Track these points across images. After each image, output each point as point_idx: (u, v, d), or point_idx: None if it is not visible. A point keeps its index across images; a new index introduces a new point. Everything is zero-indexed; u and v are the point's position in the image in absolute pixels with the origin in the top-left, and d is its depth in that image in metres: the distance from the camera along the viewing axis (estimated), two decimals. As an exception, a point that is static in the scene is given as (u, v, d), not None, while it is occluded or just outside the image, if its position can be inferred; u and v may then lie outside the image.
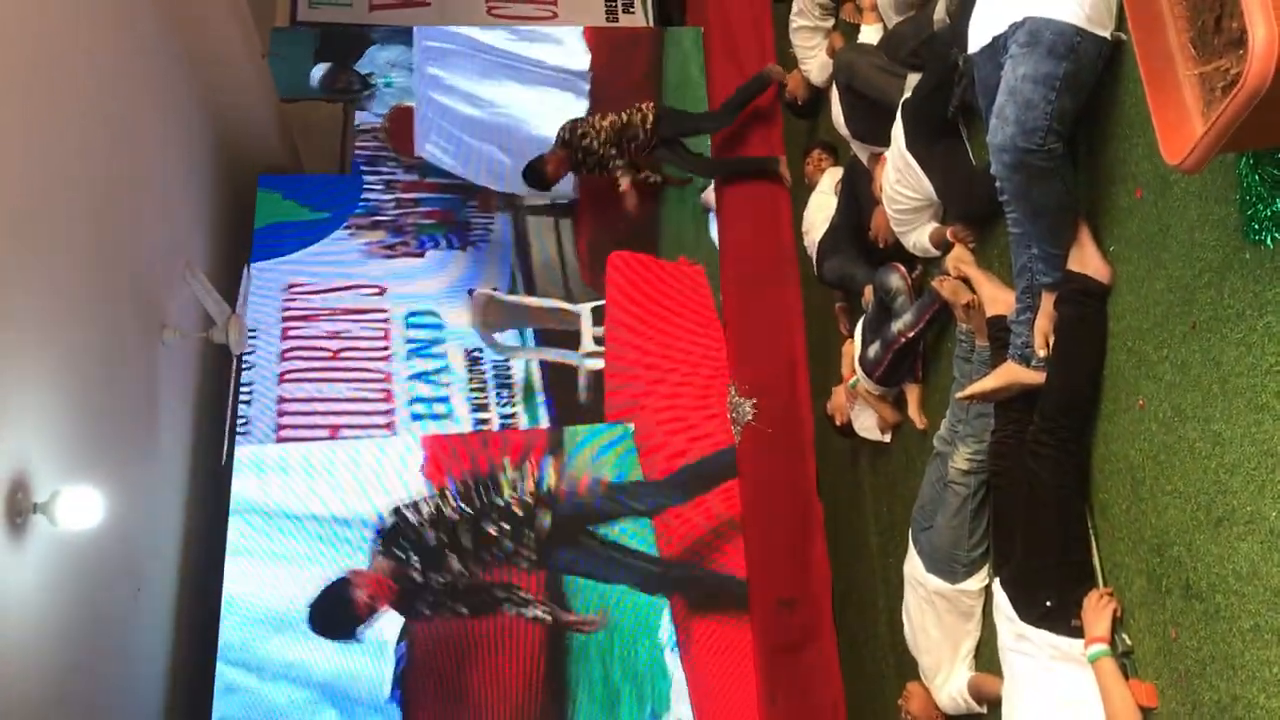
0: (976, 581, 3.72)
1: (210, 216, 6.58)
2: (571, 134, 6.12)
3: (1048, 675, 2.95)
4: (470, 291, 4.65)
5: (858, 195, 4.78)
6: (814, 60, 5.59)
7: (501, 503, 4.66)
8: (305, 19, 7.75)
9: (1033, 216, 2.83)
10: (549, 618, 4.91)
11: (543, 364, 4.56)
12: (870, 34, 4.57)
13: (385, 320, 4.57)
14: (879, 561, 5.07)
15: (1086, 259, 2.89)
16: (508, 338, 4.59)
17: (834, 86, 4.77)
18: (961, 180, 3.76)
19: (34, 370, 4.12)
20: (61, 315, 4.38)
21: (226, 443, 5.85)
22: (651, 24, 7.72)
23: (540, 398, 4.52)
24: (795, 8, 5.64)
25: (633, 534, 4.94)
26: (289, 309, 4.63)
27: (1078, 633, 2.89)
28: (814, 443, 6.13)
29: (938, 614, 3.81)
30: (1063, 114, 2.70)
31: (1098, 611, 2.83)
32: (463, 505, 4.66)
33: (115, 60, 5.01)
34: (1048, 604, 2.96)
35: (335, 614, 4.34)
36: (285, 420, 4.60)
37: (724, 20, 7.00)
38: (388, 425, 4.51)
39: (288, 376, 4.70)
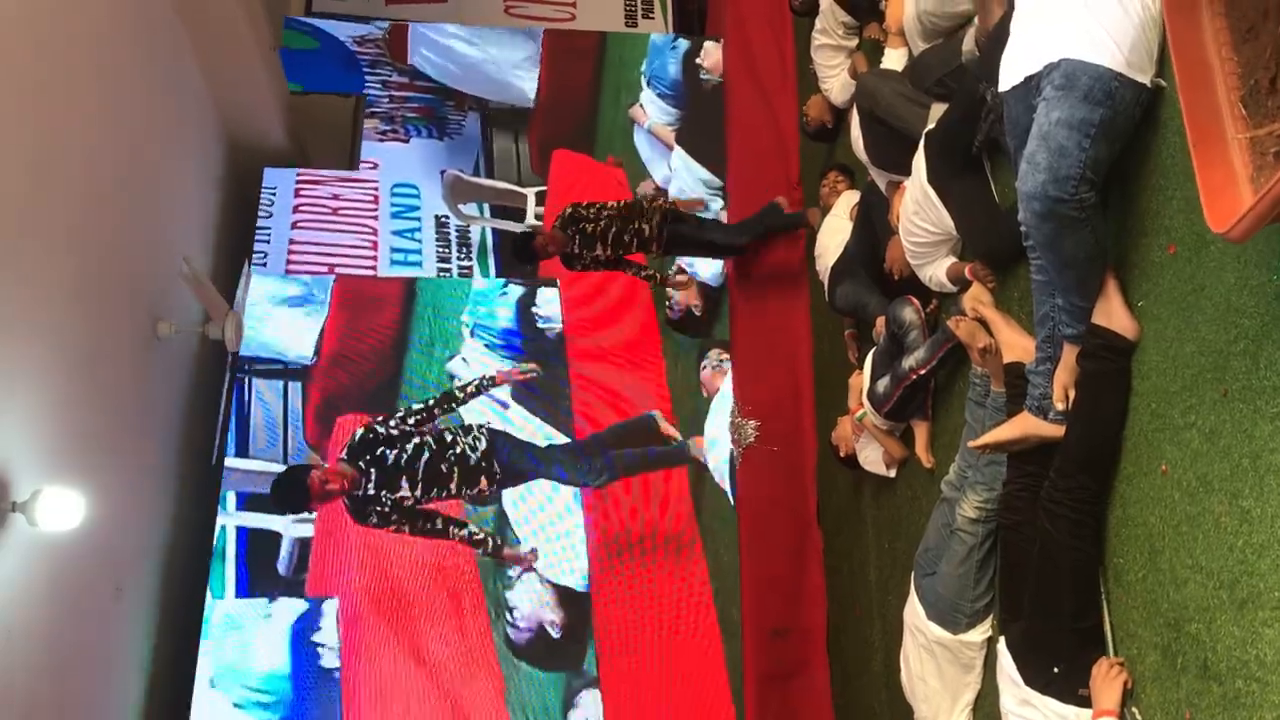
0: (979, 633, 3.60)
1: (212, 210, 6.47)
2: (570, 218, 5.64)
3: (1051, 745, 2.84)
4: (443, 171, 5.83)
5: (873, 223, 4.66)
6: (835, 79, 5.46)
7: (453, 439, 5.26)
8: (320, 9, 7.65)
9: (1060, 267, 2.71)
10: (489, 543, 5.45)
11: (494, 231, 5.74)
12: (895, 59, 4.45)
13: (376, 188, 5.78)
14: (877, 596, 4.95)
15: (1113, 313, 2.76)
16: (469, 209, 5.81)
17: (854, 109, 4.65)
18: (983, 218, 3.64)
19: (18, 363, 4.01)
20: (49, 306, 4.27)
21: (218, 442, 5.74)
22: (670, 30, 7.59)
23: (490, 257, 5.66)
24: (818, 25, 5.50)
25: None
26: (301, 174, 5.78)
27: (1085, 702, 2.77)
28: (816, 470, 6.02)
29: (938, 663, 3.70)
30: (1097, 162, 2.58)
31: (1107, 681, 2.71)
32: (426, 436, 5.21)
33: (118, 48, 4.90)
34: (1055, 670, 2.84)
35: (292, 488, 4.80)
36: (293, 258, 5.67)
37: (742, 33, 6.85)
38: (372, 267, 5.57)
39: (298, 224, 5.74)
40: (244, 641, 5.33)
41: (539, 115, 5.92)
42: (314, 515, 5.42)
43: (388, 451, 5.16)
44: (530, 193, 5.77)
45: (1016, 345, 3.30)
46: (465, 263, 5.64)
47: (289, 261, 5.53)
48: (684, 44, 6.32)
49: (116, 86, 4.89)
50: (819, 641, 5.79)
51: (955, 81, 3.76)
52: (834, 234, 5.23)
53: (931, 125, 3.83)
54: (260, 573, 5.25)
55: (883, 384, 4.26)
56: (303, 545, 5.26)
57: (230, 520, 5.12)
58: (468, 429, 5.45)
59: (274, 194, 5.85)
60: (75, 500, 4.13)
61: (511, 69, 6.02)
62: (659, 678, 5.41)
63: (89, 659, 4.90)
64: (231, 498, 5.23)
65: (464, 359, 5.64)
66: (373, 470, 5.12)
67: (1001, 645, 3.07)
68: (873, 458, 4.70)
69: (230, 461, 5.45)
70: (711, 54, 5.97)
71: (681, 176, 6.08)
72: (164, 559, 5.69)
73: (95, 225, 4.70)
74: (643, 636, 5.48)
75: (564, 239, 5.64)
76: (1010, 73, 2.81)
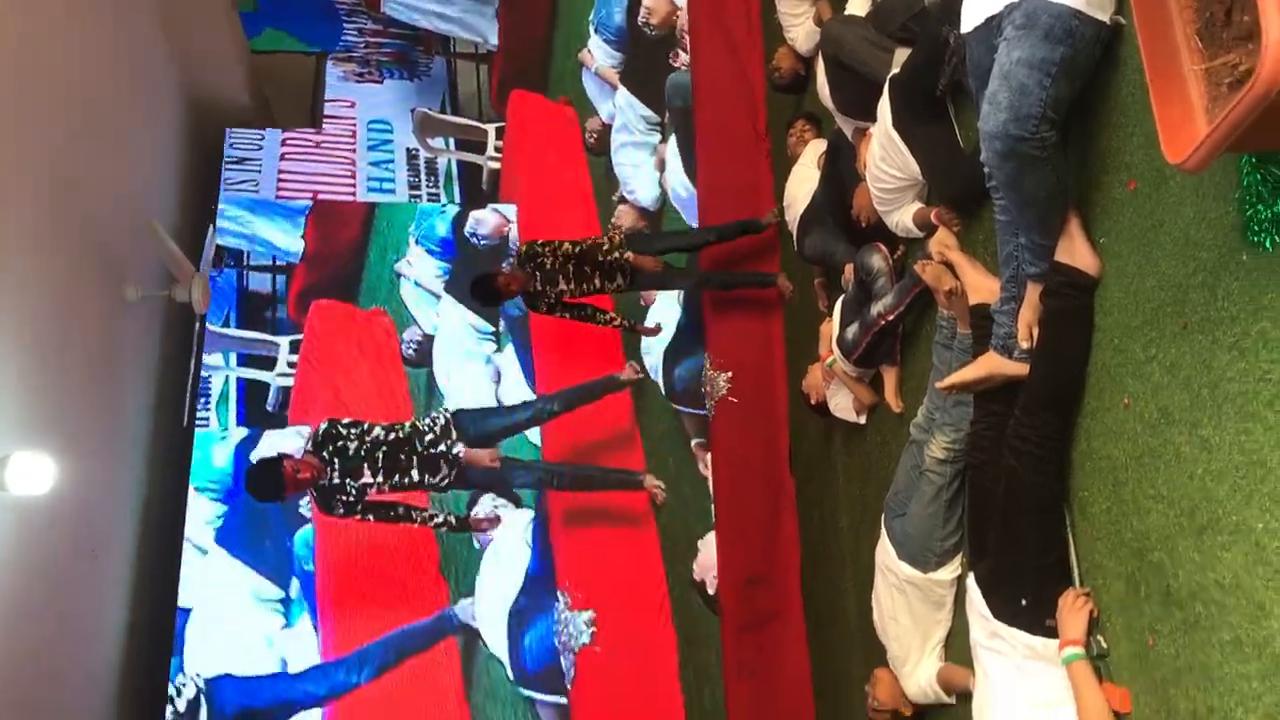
0: (949, 571, 3.66)
1: (177, 171, 6.41)
2: (527, 255, 5.54)
3: (1020, 675, 2.90)
4: (413, 109, 6.37)
5: (841, 171, 4.68)
6: (800, 28, 5.45)
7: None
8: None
9: (1022, 205, 2.74)
10: (452, 522, 5.59)
11: (459, 162, 6.26)
12: (859, 5, 4.45)
13: (354, 123, 6.33)
14: (849, 541, 5.01)
15: (1075, 251, 2.80)
16: (436, 142, 6.32)
17: (820, 57, 4.65)
18: (948, 162, 3.66)
19: (-15, 330, 3.98)
20: (15, 273, 4.23)
21: (189, 404, 5.72)
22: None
23: (456, 185, 6.22)
24: (782, -26, 5.49)
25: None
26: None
27: (1052, 633, 2.83)
28: (788, 419, 6.07)
29: (908, 602, 3.76)
30: (1058, 101, 2.60)
31: (1073, 613, 2.77)
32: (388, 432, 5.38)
33: (79, 10, 4.82)
34: (1023, 603, 2.90)
35: (267, 477, 5.00)
36: (282, 185, 6.16)
37: (709, -18, 6.84)
38: (351, 192, 6.16)
39: (285, 156, 6.27)
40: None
41: (499, 59, 6.48)
42: (293, 372, 5.85)
43: (348, 444, 5.30)
44: (490, 128, 6.33)
45: (982, 287, 3.33)
46: (433, 190, 6.18)
47: (279, 187, 6.05)
48: (627, -4, 6.74)
49: (77, 47, 4.82)
50: (794, 588, 5.86)
51: (919, 25, 3.76)
52: (802, 183, 5.25)
53: (896, 70, 3.84)
54: (253, 409, 5.85)
55: (852, 330, 4.29)
56: (285, 390, 5.86)
57: (231, 373, 5.81)
58: (433, 419, 5.56)
59: (262, 136, 6.44)
60: (46, 465, 4.12)
61: (476, 15, 6.55)
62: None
63: (66, 623, 4.90)
64: (233, 357, 5.88)
65: (409, 261, 6.12)
66: (336, 460, 5.27)
67: (970, 581, 3.13)
68: (843, 404, 4.74)
69: (232, 331, 5.95)
70: (656, 11, 6.34)
71: (625, 113, 6.38)
72: (139, 522, 5.69)
73: (59, 191, 4.65)
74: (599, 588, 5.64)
75: (525, 277, 5.54)
76: (972, 14, 2.82)
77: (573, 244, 5.71)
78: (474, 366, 5.92)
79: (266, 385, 5.89)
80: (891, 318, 4.03)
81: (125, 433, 5.59)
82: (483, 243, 6.20)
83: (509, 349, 5.96)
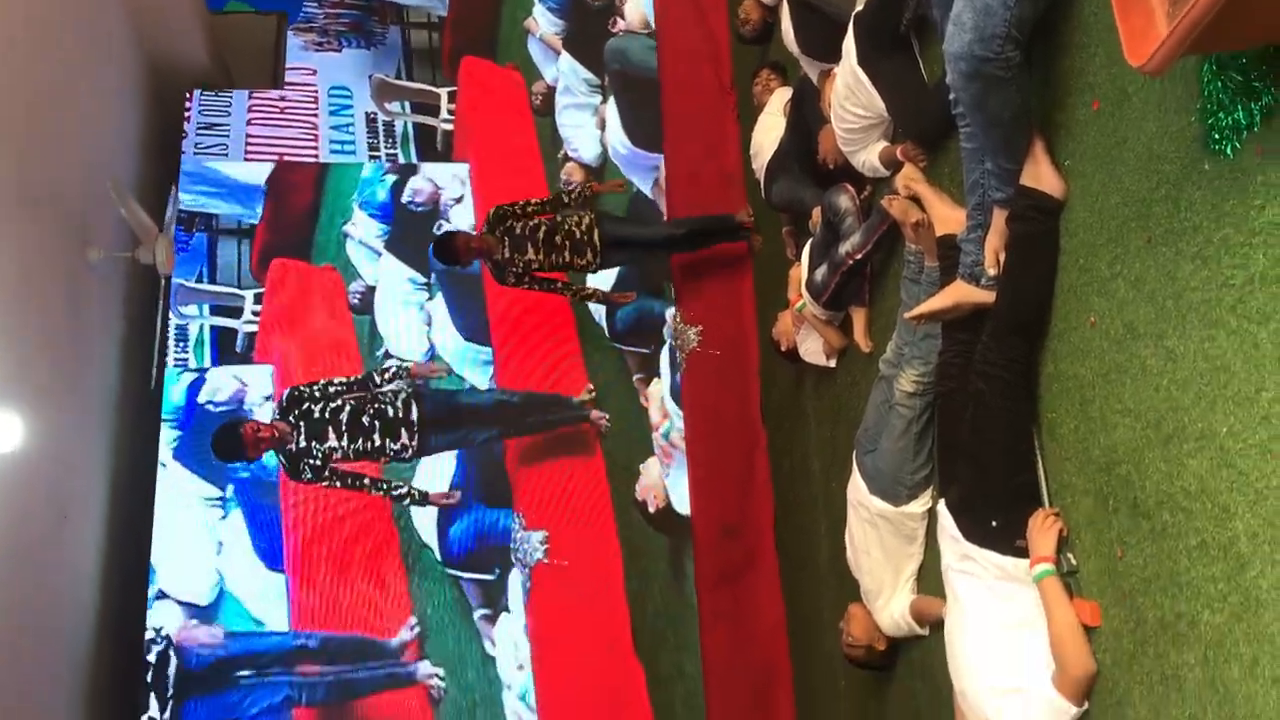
0: (920, 504, 3.70)
1: (137, 133, 6.34)
2: (496, 218, 5.56)
3: (991, 596, 2.94)
4: (370, 75, 6.73)
5: (806, 115, 4.68)
6: (764, -23, 5.45)
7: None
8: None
9: (987, 129, 2.75)
10: (414, 495, 5.88)
11: (414, 124, 6.65)
12: (822, -53, 4.44)
13: (315, 90, 6.67)
14: (821, 486, 5.05)
15: (1041, 174, 2.82)
16: (393, 106, 6.69)
17: (784, 2, 4.64)
18: (913, 97, 3.67)
19: (-54, 286, 3.93)
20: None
21: (156, 367, 5.68)
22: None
23: (412, 145, 6.63)
24: (743, -81, 5.48)
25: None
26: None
27: (1022, 553, 2.87)
28: (759, 369, 6.10)
29: (880, 536, 3.80)
30: (1021, 21, 2.60)
31: (1043, 531, 2.81)
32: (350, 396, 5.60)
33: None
34: (993, 524, 2.93)
35: (229, 438, 5.34)
36: (250, 147, 6.54)
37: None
38: (315, 153, 6.60)
39: (252, 121, 6.58)
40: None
41: (449, 27, 6.84)
42: (257, 320, 6.31)
43: (313, 407, 5.47)
44: (443, 92, 6.72)
45: (949, 219, 3.35)
46: (391, 150, 6.61)
47: (246, 150, 6.46)
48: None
49: (32, 7, 4.74)
50: (767, 535, 5.91)
51: (882, -38, 3.76)
52: (768, 131, 5.25)
53: (860, 7, 3.84)
54: (224, 351, 6.27)
55: (820, 273, 4.30)
56: (251, 335, 6.29)
57: (205, 321, 6.24)
58: (395, 392, 5.78)
59: (229, 94, 6.76)
60: (12, 423, 4.09)
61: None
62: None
63: (38, 586, 4.88)
64: (207, 308, 6.29)
65: (354, 223, 6.55)
66: (302, 424, 5.44)
67: (941, 507, 3.16)
68: (813, 349, 4.77)
69: (204, 285, 6.36)
70: None
71: (568, 77, 6.73)
72: (109, 485, 5.65)
73: (18, 149, 4.59)
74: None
75: (493, 242, 5.52)
76: (935, -60, 2.83)
77: (540, 204, 5.70)
78: (409, 313, 6.40)
79: (235, 330, 6.33)
80: (860, 256, 4.05)
81: (92, 396, 5.55)
82: (419, 208, 6.60)
83: (439, 297, 6.41)
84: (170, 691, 5.53)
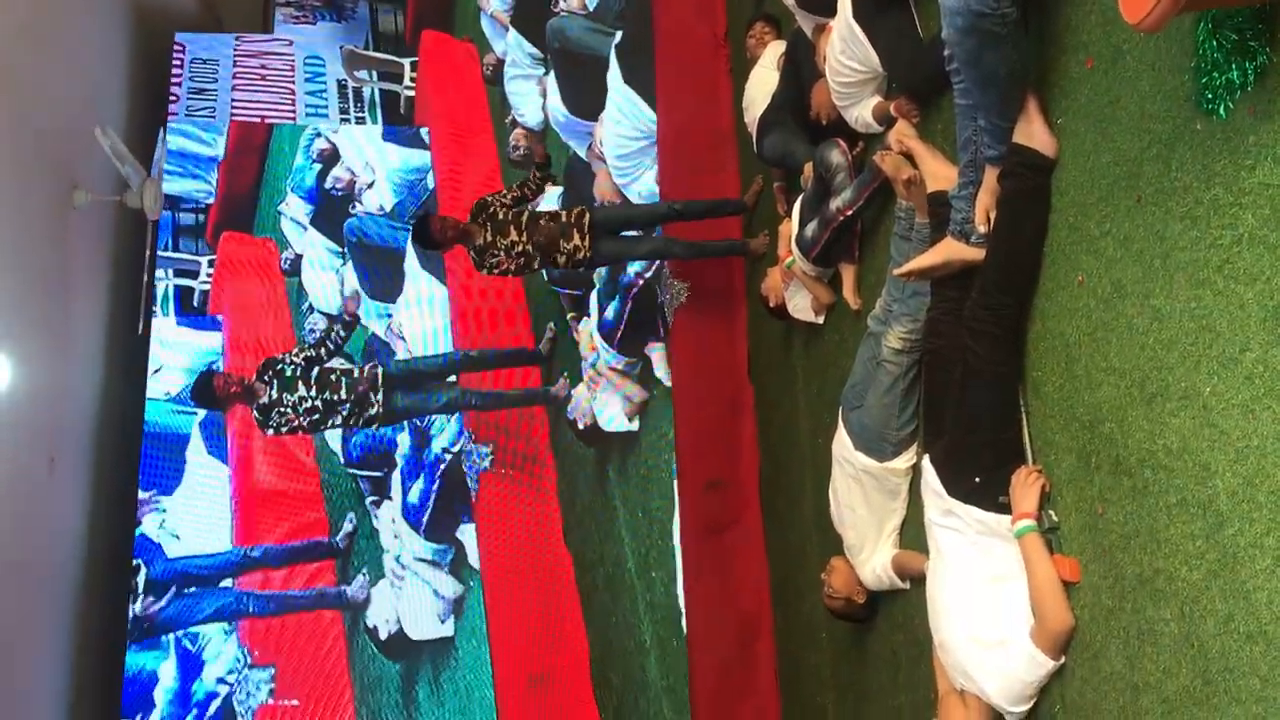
0: (904, 460, 3.72)
1: (125, 77, 6.28)
2: (478, 208, 5.53)
3: (973, 550, 2.97)
4: (341, 46, 7.37)
5: (800, 69, 4.65)
6: (760, -71, 5.40)
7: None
8: None
9: (982, 85, 2.75)
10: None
11: (381, 90, 7.36)
12: (819, -101, 4.39)
13: (292, 58, 7.30)
14: (808, 443, 5.08)
15: (1033, 132, 2.81)
16: (361, 74, 7.39)
17: (780, -46, 4.61)
18: (908, 51, 3.65)
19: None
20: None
21: (143, 312, 5.67)
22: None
23: (379, 110, 7.37)
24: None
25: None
26: (239, 50, 7.20)
27: (1004, 509, 2.90)
28: (747, 325, 6.10)
29: (865, 491, 3.83)
30: (1018, -24, 2.60)
31: (1026, 488, 2.84)
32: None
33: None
34: (976, 480, 2.95)
35: (205, 389, 5.99)
36: (235, 111, 7.13)
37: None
38: (292, 116, 7.28)
39: (236, 87, 7.16)
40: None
41: (412, 3, 7.56)
42: (210, 280, 6.99)
43: (284, 367, 6.06)
44: (406, 62, 7.43)
45: (941, 175, 3.34)
46: (360, 114, 7.45)
47: (232, 110, 7.09)
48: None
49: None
50: (752, 491, 5.94)
51: (879, -86, 3.73)
52: (761, 85, 5.21)
53: (856, -40, 3.81)
54: (185, 305, 6.79)
55: (811, 228, 4.30)
56: (205, 292, 6.93)
57: (171, 281, 6.72)
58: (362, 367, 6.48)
59: (216, 63, 7.18)
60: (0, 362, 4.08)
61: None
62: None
63: (25, 529, 4.89)
64: (172, 272, 6.78)
65: (288, 203, 7.31)
66: (275, 381, 5.97)
67: (925, 462, 3.18)
68: (801, 305, 4.78)
69: (169, 253, 6.76)
70: None
71: (514, 50, 7.31)
72: (95, 431, 5.65)
73: (2, 97, 4.54)
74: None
75: (475, 229, 5.46)
76: (933, -107, 2.81)
77: (518, 187, 5.65)
78: (328, 275, 7.26)
79: (193, 289, 7.02)
80: (850, 212, 4.04)
81: (79, 340, 5.54)
82: (339, 192, 7.35)
83: (349, 265, 7.26)
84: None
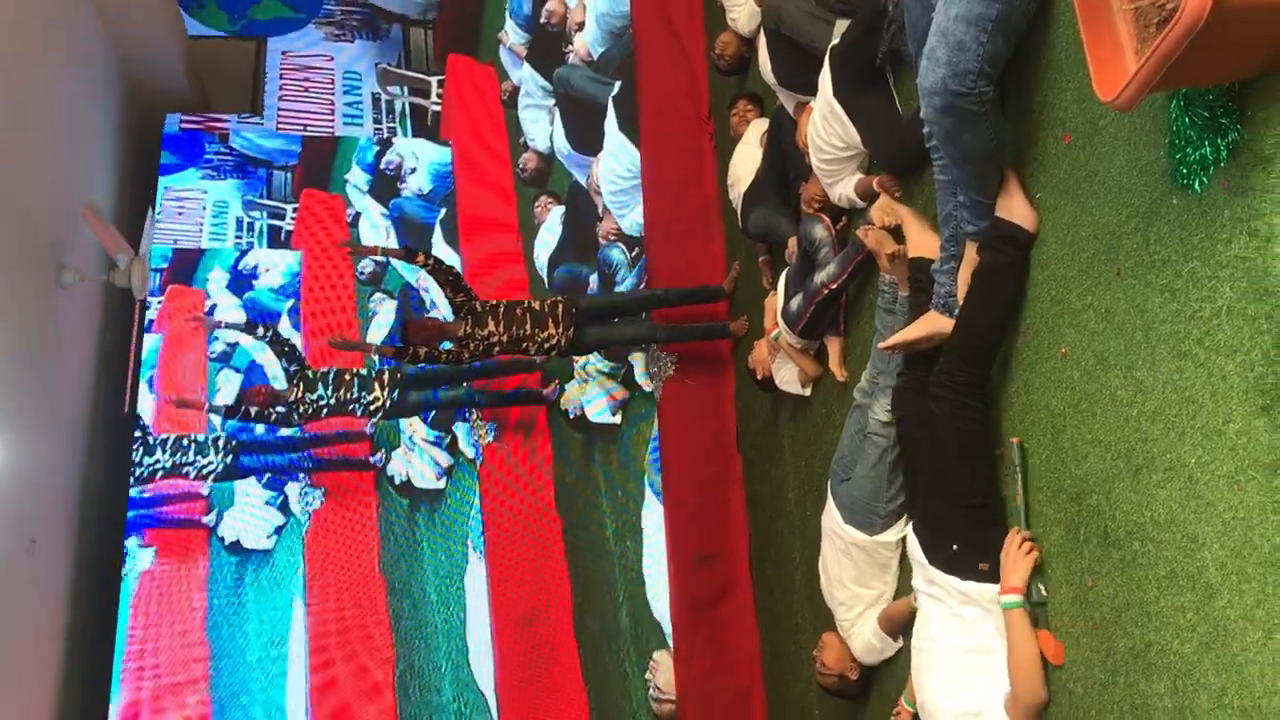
0: (894, 533, 3.71)
1: (114, 156, 6.33)
2: (463, 304, 5.76)
3: (955, 622, 2.95)
4: (376, 64, 7.92)
5: (783, 146, 4.72)
6: (742, 9, 5.49)
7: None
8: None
9: (961, 161, 2.79)
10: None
11: (411, 104, 7.87)
12: (799, -20, 4.49)
13: (332, 73, 7.87)
14: (797, 515, 5.06)
15: (1014, 207, 2.85)
16: (393, 90, 7.91)
17: (761, 33, 4.69)
18: (888, 128, 3.71)
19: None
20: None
21: (129, 391, 5.65)
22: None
23: (409, 121, 7.84)
24: (722, -43, 5.53)
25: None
26: (286, 62, 7.77)
27: (984, 577, 2.89)
28: (735, 397, 6.11)
29: (855, 565, 3.80)
30: (994, 56, 2.65)
31: (1017, 560, 2.82)
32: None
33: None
34: (954, 548, 2.95)
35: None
36: (281, 118, 7.61)
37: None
38: (331, 126, 7.76)
39: (283, 97, 7.66)
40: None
41: (440, 28, 8.14)
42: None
43: (308, 373, 6.27)
44: (434, 80, 7.95)
45: (924, 243, 3.38)
46: (391, 124, 7.90)
47: (279, 121, 7.64)
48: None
49: (11, 29, 4.73)
50: (742, 564, 5.90)
51: (858, -4, 3.81)
52: (746, 162, 5.29)
53: (836, 40, 3.88)
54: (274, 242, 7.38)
55: (796, 301, 4.33)
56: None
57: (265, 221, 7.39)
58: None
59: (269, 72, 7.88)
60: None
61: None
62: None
63: (5, 613, 4.81)
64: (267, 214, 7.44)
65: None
66: (301, 384, 6.20)
67: (909, 529, 3.18)
68: (788, 377, 4.79)
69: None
70: (555, 13, 7.82)
71: (528, 81, 7.79)
72: (79, 512, 5.60)
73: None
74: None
75: (456, 325, 5.68)
76: (909, -25, 2.88)
77: (509, 305, 5.78)
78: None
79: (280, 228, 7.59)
80: (835, 286, 4.08)
81: (64, 420, 5.50)
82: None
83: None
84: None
